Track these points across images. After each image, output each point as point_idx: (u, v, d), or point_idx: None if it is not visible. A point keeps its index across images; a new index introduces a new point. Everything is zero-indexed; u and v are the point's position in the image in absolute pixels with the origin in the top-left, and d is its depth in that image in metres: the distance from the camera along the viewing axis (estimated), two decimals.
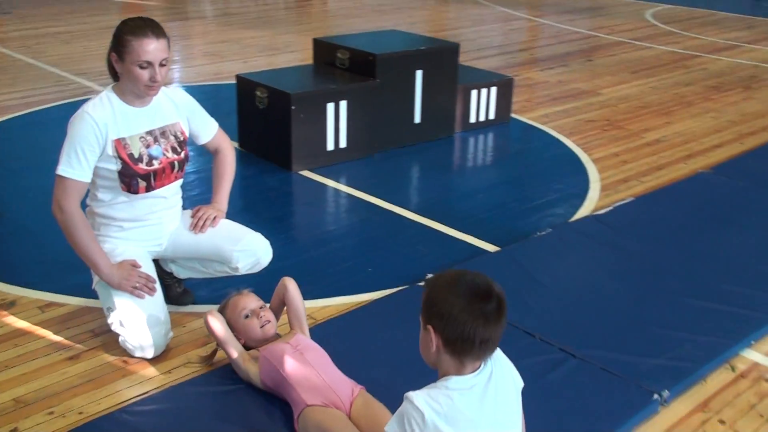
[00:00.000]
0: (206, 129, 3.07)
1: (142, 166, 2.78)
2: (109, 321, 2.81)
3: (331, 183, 4.48)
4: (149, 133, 2.82)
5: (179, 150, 2.90)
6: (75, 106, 5.17)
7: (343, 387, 2.39)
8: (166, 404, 2.53)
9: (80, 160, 2.69)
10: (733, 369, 2.85)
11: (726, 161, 4.89)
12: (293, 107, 4.42)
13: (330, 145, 4.67)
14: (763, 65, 7.66)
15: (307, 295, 3.19)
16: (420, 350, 1.87)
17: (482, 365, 1.82)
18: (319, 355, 2.49)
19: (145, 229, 2.91)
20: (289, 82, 4.70)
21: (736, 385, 2.76)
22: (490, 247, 3.69)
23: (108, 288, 2.79)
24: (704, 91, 6.64)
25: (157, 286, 2.86)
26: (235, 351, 2.58)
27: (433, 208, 4.15)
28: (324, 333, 2.84)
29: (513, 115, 5.67)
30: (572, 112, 5.92)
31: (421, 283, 3.27)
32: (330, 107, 4.58)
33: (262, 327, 2.63)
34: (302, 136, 4.52)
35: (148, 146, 2.80)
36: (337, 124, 4.64)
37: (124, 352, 2.82)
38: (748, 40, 8.90)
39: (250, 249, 2.94)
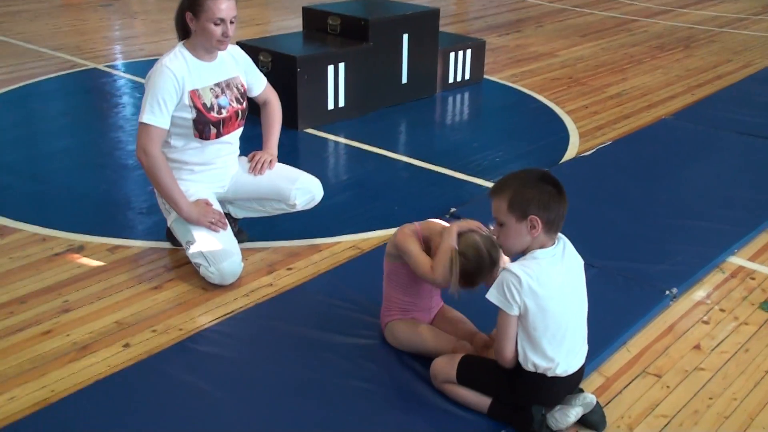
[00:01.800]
0: (258, 83, 3.41)
1: (214, 114, 3.12)
2: (189, 253, 3.15)
3: (338, 139, 4.86)
4: (217, 85, 3.16)
5: (242, 100, 3.25)
6: (65, 79, 5.54)
7: (436, 307, 2.75)
8: (256, 318, 2.90)
9: (161, 109, 3.01)
10: (723, 272, 3.37)
11: (683, 109, 5.46)
12: (299, 69, 4.77)
13: (330, 105, 5.03)
14: (696, 27, 8.30)
15: (348, 230, 3.61)
16: (508, 243, 2.28)
17: (557, 240, 2.27)
18: None
19: (213, 173, 3.25)
20: (291, 47, 5.04)
21: (728, 283, 3.29)
22: None
23: (185, 224, 3.13)
24: (650, 50, 7.22)
25: (227, 221, 3.21)
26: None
27: (436, 157, 4.57)
28: (375, 258, 3.23)
29: (485, 76, 6.12)
30: (537, 71, 6.41)
31: (447, 216, 3.70)
32: (330, 69, 4.95)
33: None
34: (307, 97, 4.87)
35: (217, 96, 3.14)
36: (336, 85, 5.01)
37: (202, 281, 3.16)
38: (678, 5, 9.56)
39: (305, 187, 3.32)
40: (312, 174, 3.43)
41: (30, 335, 2.82)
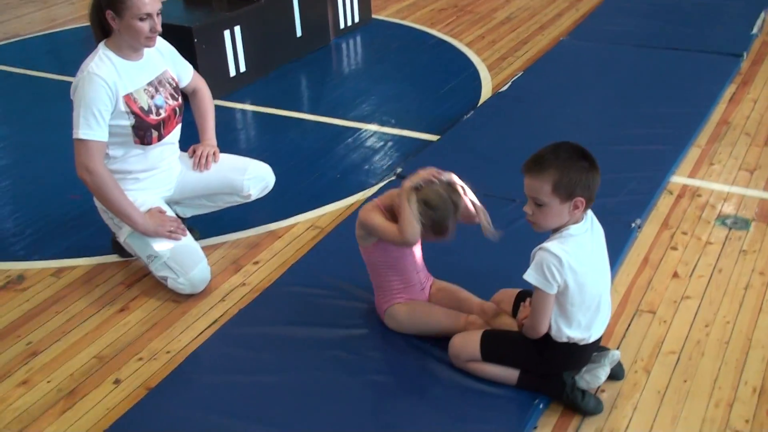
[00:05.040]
0: (186, 72, 3.18)
1: (153, 116, 2.89)
2: (153, 268, 2.95)
3: (246, 107, 4.64)
4: (150, 84, 2.92)
5: (176, 96, 3.02)
6: None
7: (427, 281, 2.70)
8: (244, 327, 2.75)
9: (98, 121, 2.76)
10: (671, 192, 3.49)
11: (575, 27, 5.53)
12: (196, 40, 4.49)
13: (232, 71, 4.79)
14: None
15: (299, 210, 3.49)
16: (546, 222, 2.21)
17: (585, 215, 2.26)
18: (419, 249, 2.66)
19: (158, 177, 3.04)
20: (180, 17, 4.72)
21: (679, 204, 3.41)
22: (429, 137, 4.09)
23: (142, 238, 2.92)
24: None
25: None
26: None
27: (357, 113, 4.45)
28: (338, 237, 3.16)
29: (373, 16, 5.98)
30: (420, 4, 6.32)
31: (394, 177, 3.63)
32: (227, 35, 4.69)
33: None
34: (207, 67, 4.58)
35: (152, 97, 2.91)
36: (235, 50, 4.76)
37: (171, 293, 2.97)
38: None
39: (258, 175, 3.16)
40: (232, 152, 3.30)
41: (5, 389, 2.58)
